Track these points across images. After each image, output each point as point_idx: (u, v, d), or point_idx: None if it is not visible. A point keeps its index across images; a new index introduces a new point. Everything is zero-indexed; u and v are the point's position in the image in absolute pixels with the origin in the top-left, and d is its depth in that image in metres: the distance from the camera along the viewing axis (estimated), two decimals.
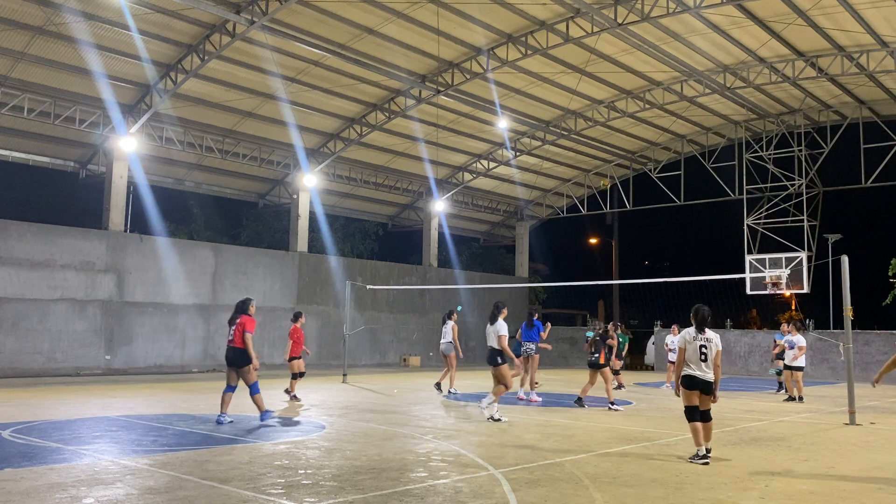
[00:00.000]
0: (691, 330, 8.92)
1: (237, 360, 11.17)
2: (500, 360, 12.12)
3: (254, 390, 11.23)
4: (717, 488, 7.22)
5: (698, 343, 8.77)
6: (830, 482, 7.66)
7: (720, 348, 8.87)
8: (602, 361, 14.54)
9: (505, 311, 12.31)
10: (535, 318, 16.28)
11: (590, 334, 18.74)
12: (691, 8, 19.28)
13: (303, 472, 7.67)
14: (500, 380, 12.09)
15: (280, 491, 6.76)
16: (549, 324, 16.90)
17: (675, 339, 20.20)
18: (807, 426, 12.36)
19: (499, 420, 11.90)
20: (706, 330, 8.88)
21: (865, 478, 7.96)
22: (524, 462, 8.39)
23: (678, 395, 9.05)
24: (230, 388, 11.34)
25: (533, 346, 16.01)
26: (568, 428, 11.43)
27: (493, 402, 12.04)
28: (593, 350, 14.69)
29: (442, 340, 17.67)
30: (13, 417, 11.50)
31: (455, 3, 20.63)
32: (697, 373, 8.73)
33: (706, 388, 8.72)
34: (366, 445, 9.43)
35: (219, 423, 11.16)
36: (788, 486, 7.43)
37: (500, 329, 12.22)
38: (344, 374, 21.02)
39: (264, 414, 11.35)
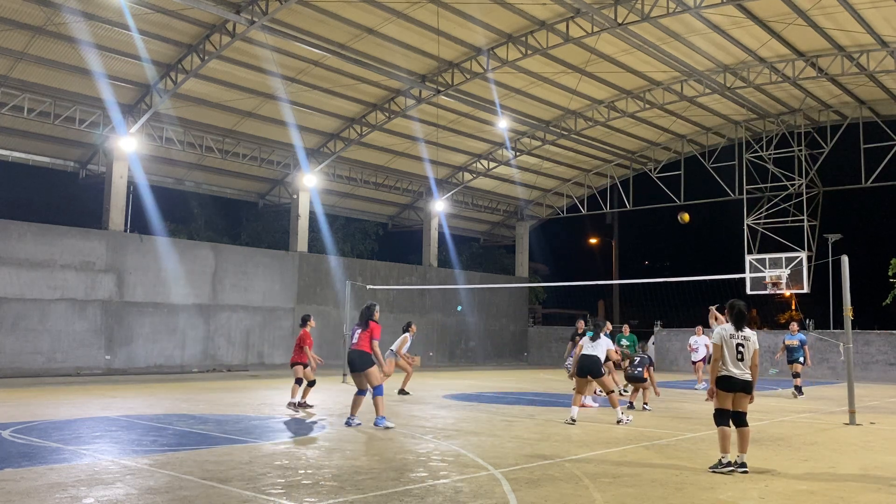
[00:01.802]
0: (728, 327, 8.27)
1: (357, 363, 11.04)
2: (603, 371, 12.57)
3: (378, 392, 11.02)
4: (718, 488, 7.22)
5: (735, 342, 8.15)
6: (830, 482, 7.66)
7: (757, 347, 8.31)
8: (645, 376, 14.26)
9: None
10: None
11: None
12: (691, 8, 19.28)
13: (303, 472, 7.66)
14: (607, 388, 12.48)
15: (280, 491, 6.76)
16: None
17: (699, 339, 20.20)
18: (807, 426, 12.36)
19: (627, 421, 12.19)
20: (744, 327, 8.26)
21: (865, 478, 7.95)
22: (524, 462, 8.39)
23: (711, 399, 8.25)
24: (361, 392, 11.18)
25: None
26: (568, 428, 11.43)
27: (617, 408, 12.40)
28: (637, 363, 14.25)
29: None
30: (13, 417, 11.50)
31: (455, 3, 20.63)
32: (735, 373, 8.08)
33: (745, 388, 8.10)
34: (366, 445, 9.43)
35: (347, 424, 11.12)
36: (788, 486, 7.43)
37: (610, 343, 13.11)
38: (344, 375, 20.99)
39: (379, 419, 10.92)
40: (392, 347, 17.09)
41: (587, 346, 12.55)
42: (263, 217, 32.83)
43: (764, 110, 28.26)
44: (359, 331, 11.31)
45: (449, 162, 32.21)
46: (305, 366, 13.73)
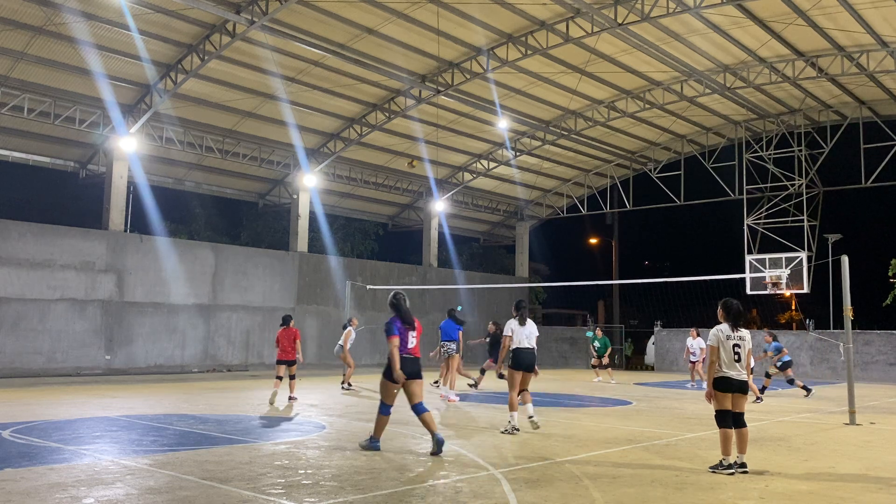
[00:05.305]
0: (724, 327, 8.13)
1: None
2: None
3: None
4: (718, 488, 7.22)
5: (732, 343, 8.03)
6: (830, 482, 7.66)
7: (750, 347, 8.21)
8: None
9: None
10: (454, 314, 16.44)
11: (590, 334, 18.70)
12: (691, 8, 19.28)
13: (303, 472, 7.66)
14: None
15: (280, 491, 6.76)
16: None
17: (694, 342, 20.34)
18: (807, 426, 12.36)
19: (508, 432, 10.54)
20: (740, 327, 8.16)
21: (865, 478, 7.95)
22: (524, 462, 8.39)
23: (709, 401, 8.15)
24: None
25: (453, 346, 16.29)
26: (568, 428, 11.43)
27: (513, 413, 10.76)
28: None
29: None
30: (13, 417, 11.50)
31: (455, 3, 20.63)
32: (732, 374, 7.99)
33: (742, 389, 8.03)
34: None
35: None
36: (788, 486, 7.43)
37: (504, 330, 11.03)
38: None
39: None
40: (340, 343, 18.41)
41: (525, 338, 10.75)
42: (263, 217, 32.84)
43: (764, 110, 28.26)
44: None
45: (449, 162, 32.20)
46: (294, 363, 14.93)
